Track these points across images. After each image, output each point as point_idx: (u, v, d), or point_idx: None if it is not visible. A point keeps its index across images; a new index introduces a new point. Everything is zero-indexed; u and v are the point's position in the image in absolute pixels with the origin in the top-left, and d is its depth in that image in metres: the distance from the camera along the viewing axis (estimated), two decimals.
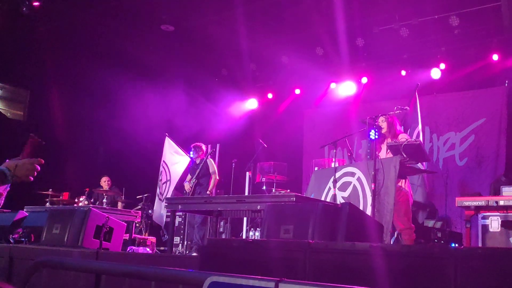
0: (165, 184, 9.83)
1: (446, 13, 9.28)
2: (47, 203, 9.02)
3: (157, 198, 9.89)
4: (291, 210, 4.81)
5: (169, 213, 8.46)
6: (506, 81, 9.83)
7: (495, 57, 9.74)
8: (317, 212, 4.48)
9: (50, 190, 9.30)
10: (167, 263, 4.48)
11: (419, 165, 7.08)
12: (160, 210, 9.64)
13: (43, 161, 2.90)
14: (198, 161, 9.43)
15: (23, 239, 7.07)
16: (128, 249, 7.44)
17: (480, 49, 9.77)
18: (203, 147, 9.65)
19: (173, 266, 4.19)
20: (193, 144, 9.65)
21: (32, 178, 2.91)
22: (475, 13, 9.06)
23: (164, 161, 10.04)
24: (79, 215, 6.35)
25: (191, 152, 9.60)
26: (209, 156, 9.34)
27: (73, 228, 6.26)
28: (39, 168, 2.91)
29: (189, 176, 9.52)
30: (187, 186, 9.40)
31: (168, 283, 2.49)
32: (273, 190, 10.02)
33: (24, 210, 8.11)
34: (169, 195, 9.66)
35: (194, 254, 8.06)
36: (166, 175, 10.02)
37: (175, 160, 10.13)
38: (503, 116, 9.79)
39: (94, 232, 6.35)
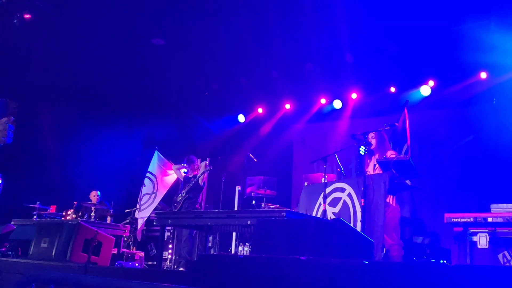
0: (148, 195, 9.79)
1: (435, 30, 9.38)
2: (35, 216, 8.93)
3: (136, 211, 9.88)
4: (282, 226, 4.80)
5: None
6: (494, 99, 9.93)
7: (483, 75, 9.86)
8: (308, 228, 4.48)
9: (38, 203, 9.22)
10: (157, 278, 4.46)
11: (407, 181, 7.12)
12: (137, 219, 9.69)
13: (12, 118, 2.77)
14: (191, 175, 9.36)
15: (10, 253, 7.00)
16: (117, 264, 7.38)
17: (469, 66, 9.87)
18: (197, 160, 9.60)
19: (162, 282, 4.17)
20: (186, 157, 9.60)
21: (7, 141, 2.75)
22: (464, 31, 9.17)
23: (151, 173, 10.00)
24: (68, 229, 6.32)
25: (183, 165, 9.55)
26: (205, 173, 9.26)
27: (61, 242, 6.22)
28: (12, 127, 2.77)
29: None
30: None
31: None
32: (263, 205, 10.00)
33: (12, 223, 8.03)
34: (152, 206, 9.63)
35: (181, 269, 8.01)
36: (153, 187, 9.99)
37: (165, 173, 10.10)
38: (491, 133, 9.87)
39: (83, 246, 6.31)
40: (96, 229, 6.54)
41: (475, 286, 2.77)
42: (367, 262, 2.89)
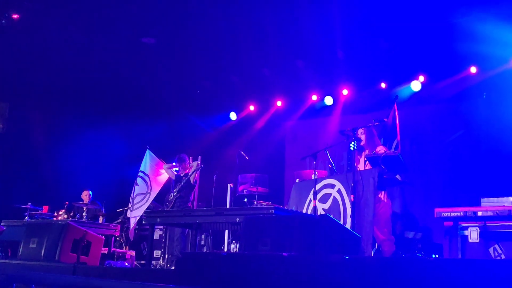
0: (143, 195, 9.75)
1: (425, 26, 9.38)
2: (26, 217, 8.90)
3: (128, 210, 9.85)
4: (269, 223, 4.80)
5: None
6: (484, 93, 9.94)
7: (473, 69, 9.88)
8: (294, 224, 4.48)
9: (29, 203, 9.18)
10: (144, 277, 4.43)
11: (397, 176, 7.13)
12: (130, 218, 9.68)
13: None
14: (182, 174, 9.34)
15: None
16: (106, 263, 7.36)
17: (459, 61, 9.88)
18: (188, 159, 9.56)
19: (149, 280, 4.16)
20: (177, 155, 9.57)
21: None
22: (454, 25, 9.18)
23: (143, 172, 9.96)
24: (56, 229, 6.30)
25: (174, 164, 9.52)
26: (197, 172, 9.23)
27: (50, 243, 6.20)
28: None
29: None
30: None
31: None
32: (255, 202, 10.00)
33: (2, 224, 8.01)
34: (145, 206, 9.60)
35: (174, 267, 7.99)
36: (147, 187, 9.96)
37: (157, 172, 10.08)
38: (481, 127, 9.88)
39: (72, 246, 6.30)
40: (85, 229, 6.52)
41: (461, 280, 2.77)
42: (347, 257, 2.88)
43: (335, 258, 3.00)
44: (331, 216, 4.83)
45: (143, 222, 7.09)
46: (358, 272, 2.89)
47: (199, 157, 10.17)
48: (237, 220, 5.65)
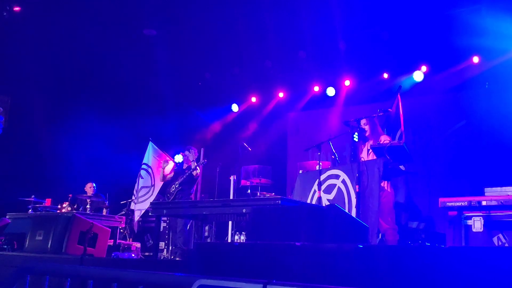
0: (148, 188, 9.76)
1: (427, 15, 9.37)
2: (30, 210, 8.91)
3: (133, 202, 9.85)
4: (277, 213, 4.81)
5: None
6: (487, 83, 9.95)
7: (476, 59, 9.87)
8: (302, 215, 4.49)
9: (33, 196, 9.19)
10: (153, 268, 4.45)
11: (401, 166, 7.15)
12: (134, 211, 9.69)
13: (1, 109, 2.80)
14: (185, 166, 9.34)
15: (5, 246, 6.99)
16: (113, 255, 7.39)
17: (461, 51, 9.88)
18: (196, 152, 9.53)
19: (159, 271, 4.17)
20: (188, 146, 9.54)
21: None
22: (456, 15, 9.17)
23: (147, 164, 9.97)
24: (63, 221, 6.31)
25: (184, 154, 9.51)
26: (199, 166, 9.23)
27: (57, 235, 6.22)
28: (2, 118, 2.81)
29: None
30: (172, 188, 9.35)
31: (156, 287, 2.48)
32: (258, 194, 10.03)
33: (7, 217, 8.01)
34: (151, 199, 9.61)
35: (178, 259, 8.03)
36: (151, 180, 9.97)
37: (160, 164, 10.09)
38: (484, 117, 9.89)
39: (78, 238, 6.31)
40: (91, 221, 6.53)
41: (470, 267, 2.79)
42: (361, 246, 2.90)
43: (349, 247, 3.02)
44: (339, 206, 4.84)
45: (150, 214, 7.10)
46: (372, 260, 2.91)
47: (202, 149, 10.17)
48: (244, 211, 5.65)
